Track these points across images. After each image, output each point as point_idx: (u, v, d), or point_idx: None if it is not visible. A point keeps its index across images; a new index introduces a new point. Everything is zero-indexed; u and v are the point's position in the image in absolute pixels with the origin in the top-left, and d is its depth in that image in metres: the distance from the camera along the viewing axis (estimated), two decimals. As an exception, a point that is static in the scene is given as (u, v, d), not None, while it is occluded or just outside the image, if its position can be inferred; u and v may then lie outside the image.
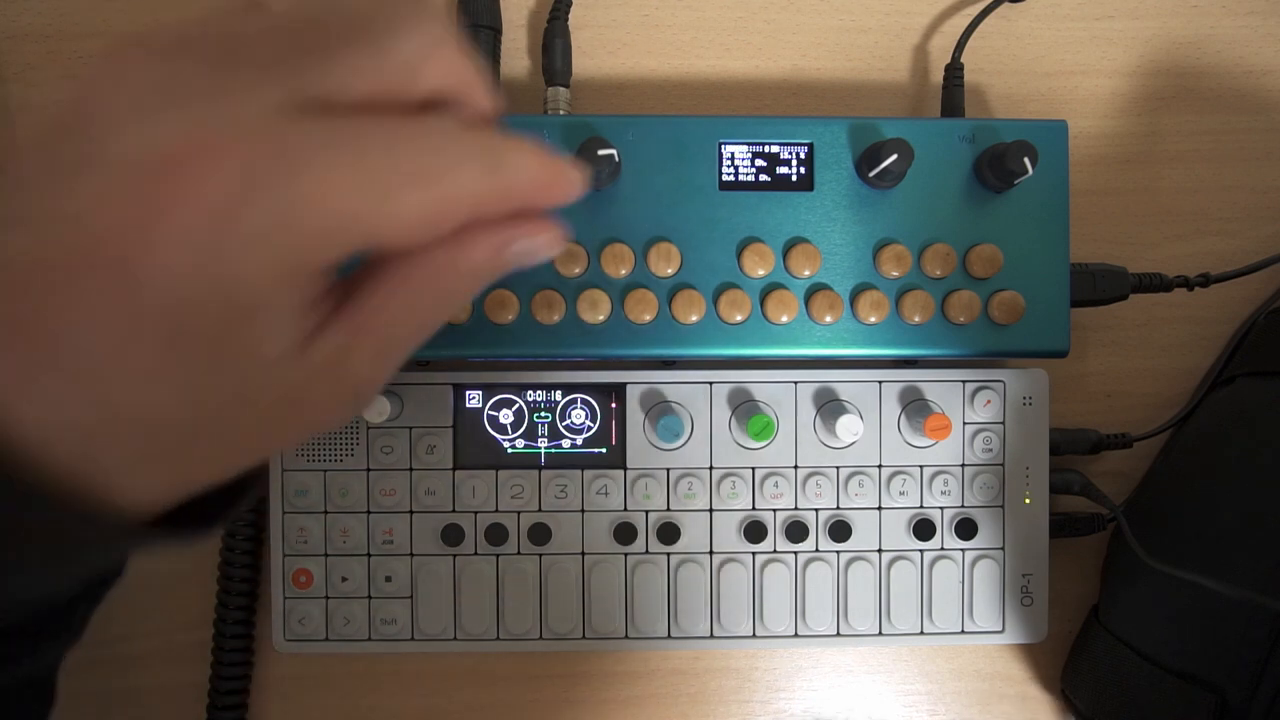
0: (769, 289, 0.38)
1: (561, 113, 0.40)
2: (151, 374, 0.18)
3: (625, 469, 0.40)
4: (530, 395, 0.40)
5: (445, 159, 0.18)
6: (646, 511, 0.40)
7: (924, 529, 0.40)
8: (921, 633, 0.41)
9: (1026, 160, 0.36)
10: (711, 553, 0.40)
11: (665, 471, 0.40)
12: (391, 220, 0.18)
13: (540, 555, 0.40)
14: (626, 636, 0.40)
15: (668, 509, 0.40)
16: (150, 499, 0.19)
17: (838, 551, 0.40)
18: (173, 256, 0.17)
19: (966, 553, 0.41)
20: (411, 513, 0.40)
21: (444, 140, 0.19)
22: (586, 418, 0.40)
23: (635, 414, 0.40)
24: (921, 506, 0.40)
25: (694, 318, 0.37)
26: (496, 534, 0.40)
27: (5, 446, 0.17)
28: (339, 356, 0.19)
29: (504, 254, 0.21)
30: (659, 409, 0.40)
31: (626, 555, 0.40)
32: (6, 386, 0.17)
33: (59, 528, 0.18)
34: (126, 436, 0.18)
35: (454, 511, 0.40)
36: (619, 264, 0.37)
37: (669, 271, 0.37)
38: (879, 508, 0.40)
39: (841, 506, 0.40)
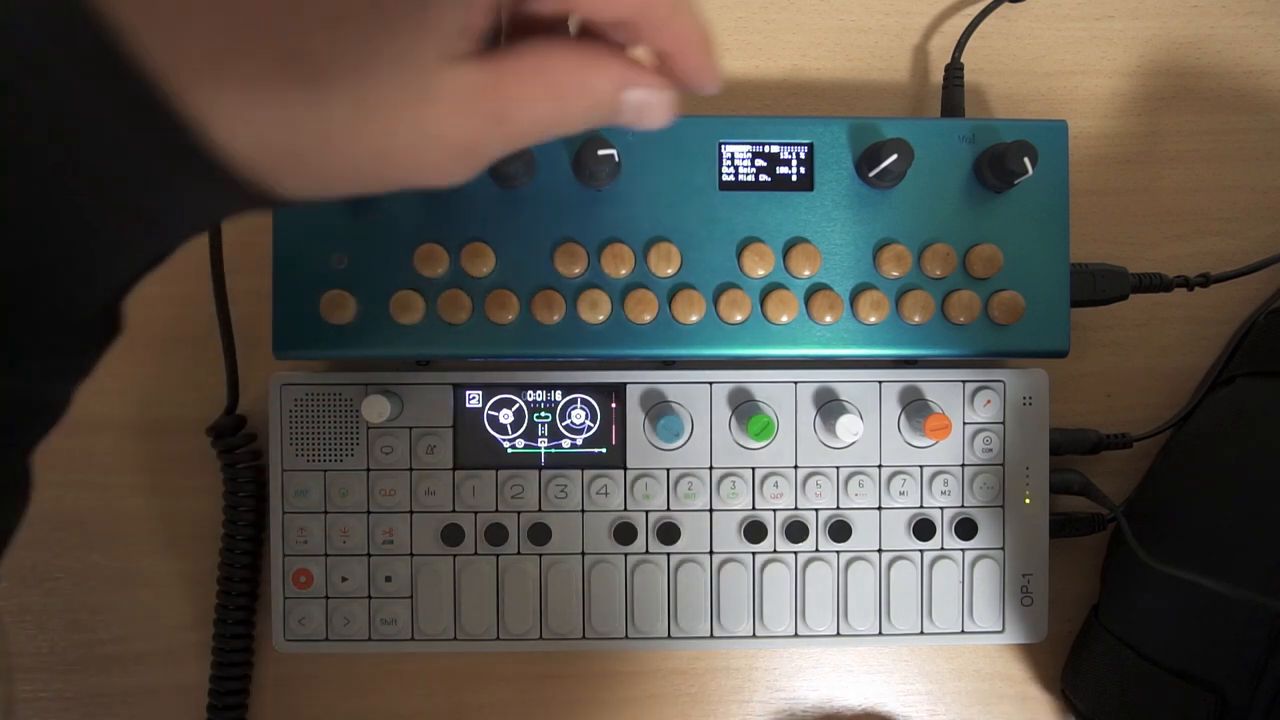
0: (769, 289, 0.38)
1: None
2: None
3: (625, 469, 0.40)
4: (530, 395, 0.40)
5: None
6: (646, 511, 0.40)
7: (924, 529, 0.40)
8: (921, 633, 0.41)
9: (1026, 160, 0.36)
10: (711, 553, 0.40)
11: (665, 471, 0.40)
12: None
13: (540, 555, 0.40)
14: (626, 636, 0.40)
15: (668, 509, 0.40)
16: (250, 159, 0.18)
17: (838, 551, 0.40)
18: None
19: (966, 553, 0.41)
20: (411, 513, 0.40)
21: None
22: (586, 418, 0.40)
23: (635, 414, 0.40)
24: (921, 506, 0.40)
25: (694, 318, 0.37)
26: (496, 534, 0.40)
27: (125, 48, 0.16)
28: (470, 95, 0.20)
29: (622, 94, 0.22)
30: (659, 409, 0.40)
31: (626, 555, 0.40)
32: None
33: (166, 141, 0.17)
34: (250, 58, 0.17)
35: (454, 511, 0.40)
36: (619, 264, 0.37)
37: (669, 271, 0.37)
38: (879, 508, 0.40)
39: (841, 506, 0.40)
